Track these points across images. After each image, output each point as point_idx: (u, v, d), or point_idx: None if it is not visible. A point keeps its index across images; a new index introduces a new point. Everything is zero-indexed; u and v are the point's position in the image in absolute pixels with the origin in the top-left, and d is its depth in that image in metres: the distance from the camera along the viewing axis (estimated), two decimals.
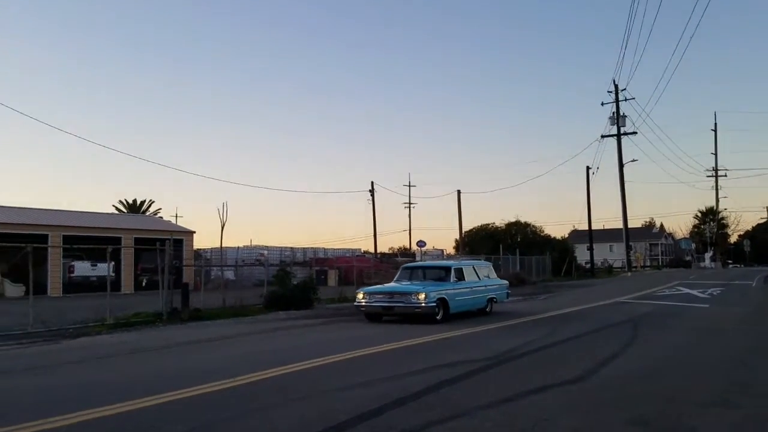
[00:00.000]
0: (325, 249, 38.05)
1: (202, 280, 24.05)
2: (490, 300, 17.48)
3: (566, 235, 76.52)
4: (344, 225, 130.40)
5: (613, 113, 52.89)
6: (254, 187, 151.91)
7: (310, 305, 17.70)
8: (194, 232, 31.91)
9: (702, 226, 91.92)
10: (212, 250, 32.13)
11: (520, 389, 6.84)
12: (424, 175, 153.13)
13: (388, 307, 14.96)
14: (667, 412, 5.92)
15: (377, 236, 53.96)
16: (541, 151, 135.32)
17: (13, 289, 22.58)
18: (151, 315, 14.66)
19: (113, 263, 25.97)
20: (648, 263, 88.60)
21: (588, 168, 49.25)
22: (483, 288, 17.19)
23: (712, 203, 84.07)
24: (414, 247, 55.53)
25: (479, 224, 54.57)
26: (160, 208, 71.01)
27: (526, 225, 52.14)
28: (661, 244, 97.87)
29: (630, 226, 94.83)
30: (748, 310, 18.01)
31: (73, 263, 25.67)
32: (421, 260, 37.63)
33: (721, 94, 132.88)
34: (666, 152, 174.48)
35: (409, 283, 15.98)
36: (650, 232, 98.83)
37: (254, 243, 35.39)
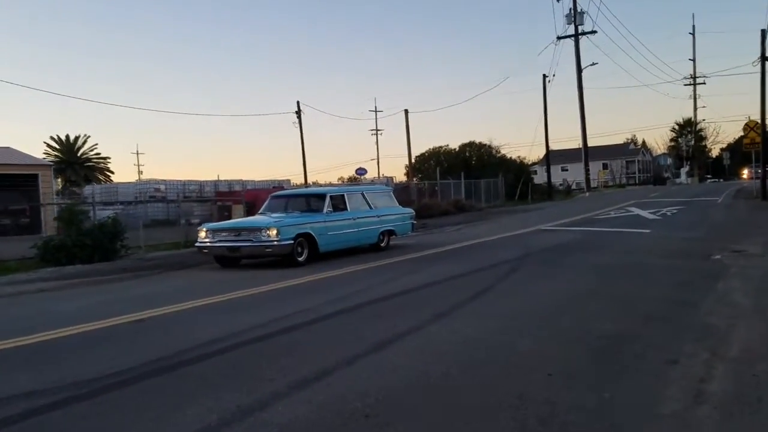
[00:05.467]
0: (244, 181, 33.40)
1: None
2: (387, 233, 14.07)
3: (540, 157, 72.04)
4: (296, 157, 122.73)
5: (570, 10, 46.91)
6: (179, 114, 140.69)
7: (113, 256, 13.30)
8: (52, 165, 27.18)
9: (679, 140, 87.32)
10: (103, 186, 27.56)
11: None
12: (379, 97, 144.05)
13: (233, 248, 11.54)
14: None
15: (306, 167, 49.27)
16: (499, 63, 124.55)
17: None
18: None
19: None
20: (625, 181, 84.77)
21: (545, 76, 44.06)
22: (375, 219, 13.68)
23: (691, 114, 79.39)
24: (373, 175, 51.07)
25: (432, 147, 49.93)
26: (96, 144, 66.08)
27: (482, 146, 47.63)
28: (638, 161, 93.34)
29: (610, 142, 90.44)
30: (695, 236, 14.05)
31: None
32: None
33: None
34: (641, 60, 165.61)
35: (274, 216, 12.36)
36: (627, 148, 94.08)
37: (165, 177, 30.80)
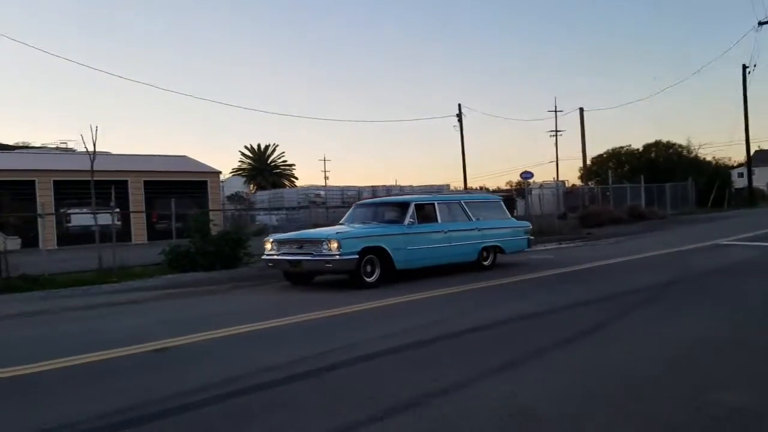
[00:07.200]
0: (401, 186, 32.99)
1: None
2: (491, 250, 12.31)
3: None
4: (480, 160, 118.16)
5: None
6: (357, 122, 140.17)
7: (234, 264, 13.16)
8: (220, 172, 28.54)
9: None
10: (271, 192, 28.87)
11: None
12: (559, 97, 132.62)
13: (294, 262, 10.40)
14: None
15: (465, 171, 47.27)
16: (692, 54, 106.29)
17: (10, 242, 20.90)
18: None
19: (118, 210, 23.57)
20: None
21: (744, 67, 37.89)
22: (475, 233, 11.93)
23: None
24: (545, 178, 47.87)
25: (611, 148, 45.64)
26: (284, 152, 70.79)
27: (669, 146, 42.43)
28: None
29: None
30: None
31: (69, 212, 23.71)
32: (529, 195, 31.48)
33: None
34: None
35: (351, 226, 11.27)
36: None
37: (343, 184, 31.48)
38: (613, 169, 41.68)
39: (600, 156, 46.00)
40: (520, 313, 7.32)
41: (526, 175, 38.14)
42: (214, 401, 4.37)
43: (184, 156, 29.10)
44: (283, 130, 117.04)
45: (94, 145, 14.15)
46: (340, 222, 12.33)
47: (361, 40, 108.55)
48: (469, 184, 43.19)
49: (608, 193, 29.94)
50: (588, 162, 43.54)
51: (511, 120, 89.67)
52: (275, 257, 10.71)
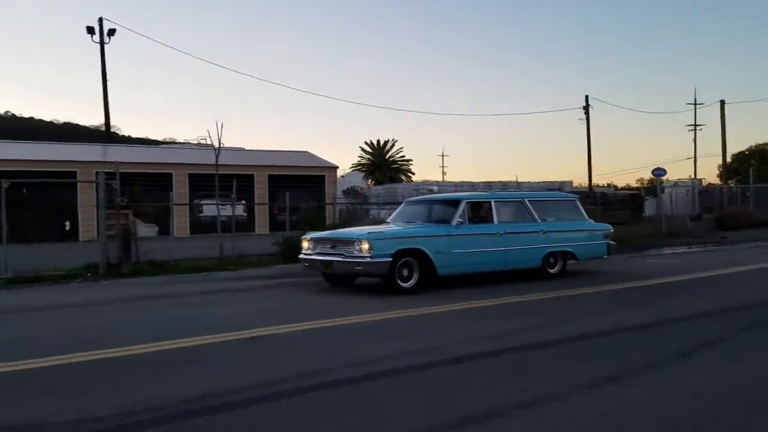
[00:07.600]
0: (518, 182, 32.13)
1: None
2: (559, 255, 11.06)
3: None
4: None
5: None
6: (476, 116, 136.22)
7: None
8: (337, 167, 29.02)
9: None
10: (385, 187, 29.33)
11: None
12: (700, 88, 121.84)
13: (326, 263, 9.69)
14: None
15: (590, 167, 44.70)
16: None
17: (145, 230, 22.78)
18: (81, 269, 11.78)
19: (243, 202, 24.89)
20: None
21: None
22: (539, 235, 10.71)
23: None
24: (678, 176, 44.67)
25: (756, 144, 41.76)
26: (402, 147, 71.44)
27: None
28: None
29: None
30: None
31: (202, 203, 25.28)
32: (661, 194, 29.70)
33: None
34: None
35: (392, 225, 10.59)
36: None
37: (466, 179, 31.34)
38: (756, 167, 38.14)
39: (742, 153, 42.32)
40: (618, 325, 6.79)
41: (659, 172, 35.75)
42: (290, 394, 4.41)
43: (306, 151, 30.26)
44: (403, 126, 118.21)
45: (219, 140, 15.07)
46: (387, 220, 11.66)
47: (481, 33, 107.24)
48: (594, 181, 41.34)
49: (748, 194, 27.42)
50: (728, 159, 40.20)
51: (645, 113, 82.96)
52: (311, 257, 10.01)
